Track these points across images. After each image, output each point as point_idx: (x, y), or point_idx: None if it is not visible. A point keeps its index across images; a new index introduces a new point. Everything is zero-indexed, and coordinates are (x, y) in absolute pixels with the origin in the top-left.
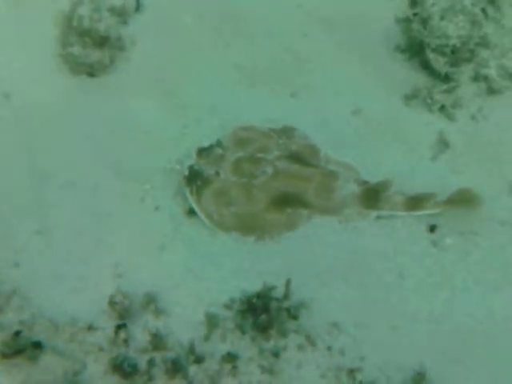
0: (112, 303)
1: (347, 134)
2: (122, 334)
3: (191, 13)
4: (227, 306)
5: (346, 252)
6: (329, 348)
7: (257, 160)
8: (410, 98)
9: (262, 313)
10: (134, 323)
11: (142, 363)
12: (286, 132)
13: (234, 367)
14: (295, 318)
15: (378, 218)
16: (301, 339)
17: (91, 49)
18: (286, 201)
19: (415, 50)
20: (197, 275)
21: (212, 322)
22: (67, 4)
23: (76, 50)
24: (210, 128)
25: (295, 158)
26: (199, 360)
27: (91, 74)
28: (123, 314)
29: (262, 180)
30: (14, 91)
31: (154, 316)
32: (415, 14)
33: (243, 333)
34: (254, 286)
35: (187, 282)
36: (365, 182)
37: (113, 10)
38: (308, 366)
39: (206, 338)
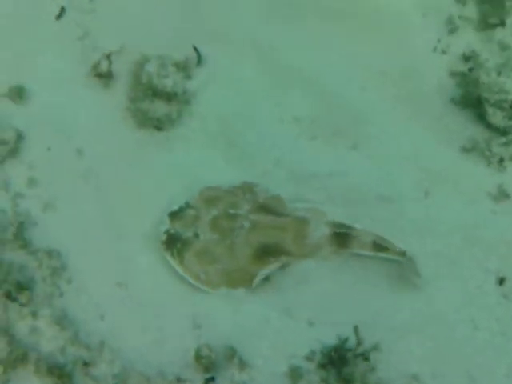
0: (198, 357)
1: (408, 185)
2: None
3: (250, 66)
4: (308, 358)
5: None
6: None
7: (231, 216)
8: (469, 150)
9: (341, 365)
10: (220, 376)
11: None
12: (247, 187)
13: None
14: (367, 359)
15: (351, 255)
16: None
17: (159, 104)
18: (267, 251)
19: (471, 102)
20: (275, 326)
21: (296, 374)
22: (134, 61)
23: (145, 105)
24: (278, 181)
25: (265, 209)
26: None
27: (158, 128)
28: (209, 367)
29: (241, 234)
30: (86, 146)
31: (239, 369)
32: (470, 70)
33: None
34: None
35: (267, 334)
36: (333, 223)
37: (177, 66)
38: None
39: None
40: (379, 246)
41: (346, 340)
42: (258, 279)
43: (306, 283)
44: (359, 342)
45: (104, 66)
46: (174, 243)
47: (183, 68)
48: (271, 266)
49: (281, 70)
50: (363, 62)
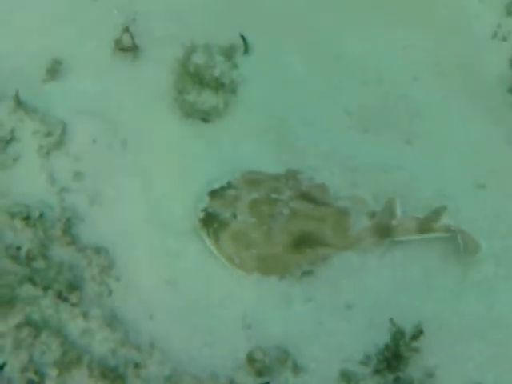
0: (251, 360)
1: (466, 181)
2: None
3: (298, 55)
4: (363, 363)
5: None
6: None
7: (272, 201)
8: None
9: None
10: (273, 379)
11: None
12: (291, 174)
13: None
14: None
15: (393, 243)
16: None
17: (206, 95)
18: (304, 241)
19: None
20: (327, 329)
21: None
22: (181, 51)
23: (192, 96)
24: (329, 175)
25: (307, 197)
26: None
27: (205, 120)
28: (262, 370)
29: (279, 221)
30: (131, 137)
31: (293, 373)
32: None
33: None
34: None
35: (319, 336)
36: (375, 213)
37: (225, 55)
38: None
39: None
40: (425, 227)
41: (397, 333)
42: (300, 270)
43: (351, 278)
44: (402, 333)
45: (126, 40)
46: (211, 222)
47: (230, 57)
48: (311, 257)
49: (330, 60)
50: (416, 51)
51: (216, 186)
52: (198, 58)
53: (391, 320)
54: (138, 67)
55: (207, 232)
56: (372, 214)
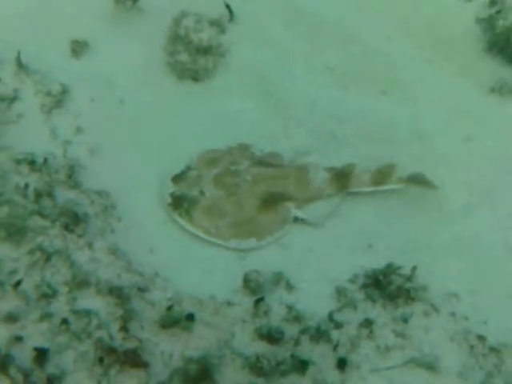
0: (247, 280)
1: (439, 124)
2: (262, 307)
3: (281, 21)
4: (352, 281)
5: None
6: (452, 314)
7: (233, 172)
8: (498, 90)
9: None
10: (269, 298)
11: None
12: (244, 147)
13: (371, 331)
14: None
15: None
16: (425, 307)
17: (196, 56)
18: (272, 200)
19: (499, 46)
20: (317, 255)
21: (342, 294)
22: (172, 17)
23: (183, 57)
24: (311, 126)
25: (264, 164)
26: (339, 326)
27: (195, 79)
28: (257, 290)
29: (245, 187)
30: (128, 96)
31: (286, 291)
32: (498, 12)
33: (374, 301)
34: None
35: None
36: (331, 168)
37: (212, 22)
38: (436, 331)
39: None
40: (378, 179)
41: (399, 268)
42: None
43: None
44: (411, 278)
45: None
46: (180, 203)
47: (217, 23)
48: (282, 212)
49: (311, 24)
50: (387, 11)
51: (176, 171)
52: (188, 22)
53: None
54: (134, 30)
55: (179, 213)
56: (329, 169)
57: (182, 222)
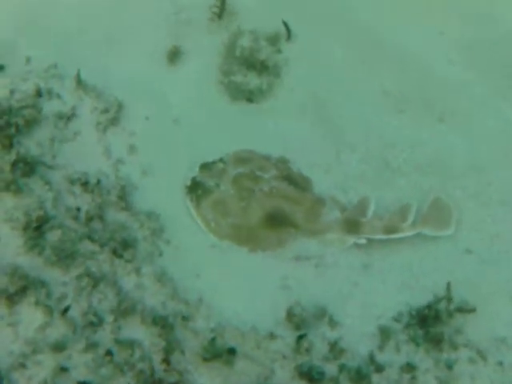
0: (291, 314)
1: (497, 157)
2: (304, 344)
3: (339, 40)
4: (396, 319)
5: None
6: (500, 363)
7: (255, 177)
8: None
9: (433, 322)
10: (311, 333)
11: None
12: (282, 159)
13: (413, 377)
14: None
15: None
16: (471, 353)
17: (251, 76)
18: (277, 219)
19: None
20: (363, 289)
21: (386, 333)
22: (228, 36)
23: (238, 77)
24: (364, 152)
25: (289, 180)
26: (380, 369)
27: (250, 100)
28: (300, 325)
29: (258, 196)
30: (182, 116)
31: (329, 327)
32: None
33: (417, 344)
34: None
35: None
36: (347, 209)
37: (268, 40)
38: (482, 380)
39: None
40: (391, 228)
41: (442, 299)
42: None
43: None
44: (450, 299)
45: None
46: (196, 189)
47: (273, 42)
48: (280, 234)
49: (369, 45)
50: (451, 34)
51: (209, 160)
52: (244, 42)
53: (448, 284)
54: (186, 51)
55: (191, 197)
56: (344, 209)
57: (190, 206)
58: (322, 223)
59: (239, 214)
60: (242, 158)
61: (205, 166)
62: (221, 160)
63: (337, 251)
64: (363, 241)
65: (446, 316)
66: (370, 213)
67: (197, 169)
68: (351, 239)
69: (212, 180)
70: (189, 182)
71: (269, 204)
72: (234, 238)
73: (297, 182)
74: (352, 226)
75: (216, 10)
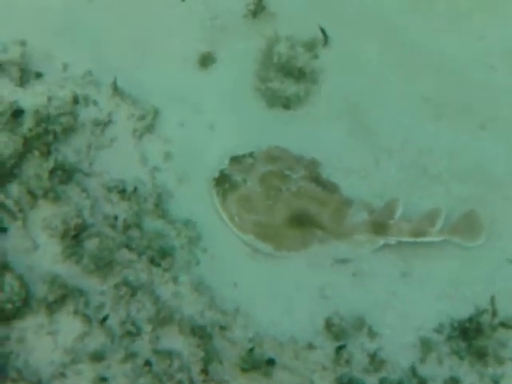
0: (329, 324)
1: None
2: (344, 354)
3: (376, 46)
4: (437, 331)
5: None
6: None
7: (284, 176)
8: None
9: (476, 335)
10: (350, 344)
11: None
12: (313, 161)
13: None
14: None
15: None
16: None
17: (288, 83)
18: (303, 219)
19: None
20: (401, 299)
21: (427, 345)
22: (264, 42)
23: (275, 84)
24: (402, 160)
25: (317, 181)
26: (422, 382)
27: (286, 107)
28: (339, 335)
29: (285, 196)
30: (218, 123)
31: (369, 338)
32: None
33: (461, 358)
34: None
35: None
36: (374, 211)
37: (305, 46)
38: None
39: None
40: (419, 231)
41: (484, 311)
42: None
43: None
44: (495, 313)
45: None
46: (223, 182)
47: (310, 48)
48: (305, 236)
49: (406, 50)
50: (491, 40)
51: (239, 153)
52: (281, 48)
53: (492, 298)
54: (221, 58)
55: (217, 191)
56: (372, 211)
57: (216, 199)
58: (347, 225)
59: (265, 212)
60: (272, 156)
61: (235, 159)
62: (251, 155)
63: (372, 257)
64: (393, 241)
65: (489, 330)
66: (397, 215)
67: (226, 161)
68: (381, 240)
69: (240, 175)
70: (217, 174)
71: (295, 204)
72: (257, 234)
73: (324, 184)
74: (379, 227)
75: (252, 7)
